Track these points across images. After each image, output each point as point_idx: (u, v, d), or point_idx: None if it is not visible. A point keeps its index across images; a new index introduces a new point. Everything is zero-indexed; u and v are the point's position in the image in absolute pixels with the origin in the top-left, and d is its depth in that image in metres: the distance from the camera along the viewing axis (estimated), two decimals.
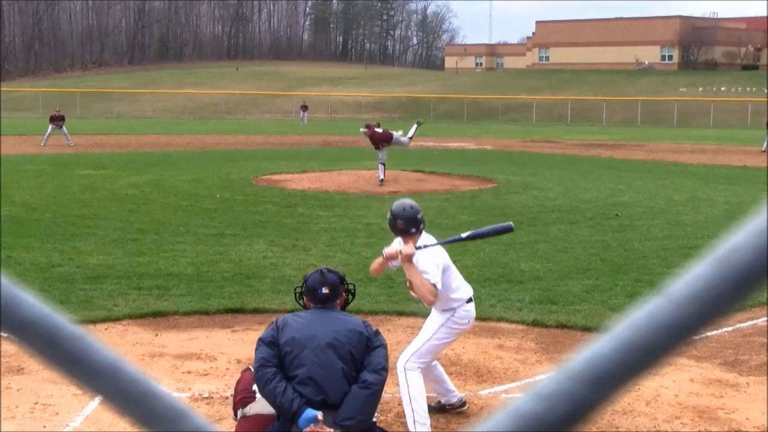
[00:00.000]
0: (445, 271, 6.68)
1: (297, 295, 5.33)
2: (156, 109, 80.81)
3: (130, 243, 14.36)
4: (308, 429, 4.82)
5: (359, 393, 4.82)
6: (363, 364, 4.94)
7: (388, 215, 6.90)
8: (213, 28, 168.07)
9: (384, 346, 5.05)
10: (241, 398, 5.16)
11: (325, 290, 5.10)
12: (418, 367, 6.70)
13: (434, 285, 6.53)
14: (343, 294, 5.27)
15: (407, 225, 6.75)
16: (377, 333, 5.08)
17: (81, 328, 0.64)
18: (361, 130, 23.87)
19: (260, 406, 5.07)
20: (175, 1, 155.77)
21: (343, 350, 4.90)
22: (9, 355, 7.99)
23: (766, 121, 39.54)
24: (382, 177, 23.16)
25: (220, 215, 17.54)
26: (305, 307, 5.22)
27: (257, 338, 5.14)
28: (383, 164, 23.16)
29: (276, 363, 4.89)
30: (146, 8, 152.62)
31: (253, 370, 4.99)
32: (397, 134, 23.45)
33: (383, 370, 4.96)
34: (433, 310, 6.86)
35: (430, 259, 6.63)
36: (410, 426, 6.58)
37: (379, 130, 23.27)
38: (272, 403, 4.87)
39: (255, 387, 5.06)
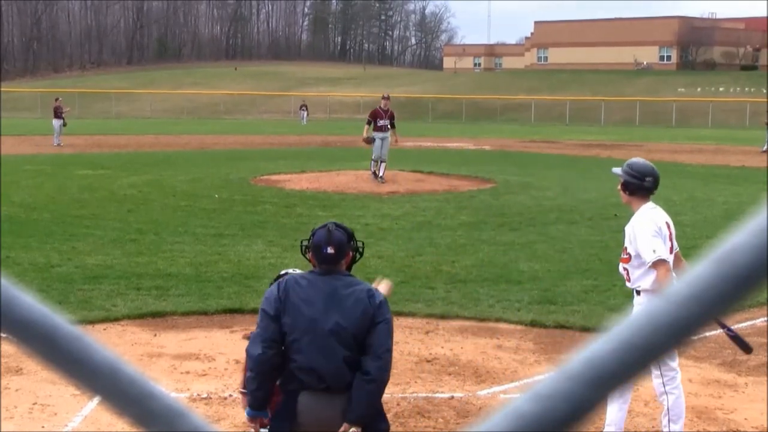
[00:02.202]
0: (662, 237, 6.36)
1: (303, 248, 5.11)
2: (154, 109, 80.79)
3: (128, 243, 14.36)
4: (247, 422, 4.88)
5: (364, 388, 4.71)
6: (366, 341, 4.76)
7: (624, 171, 6.47)
8: (211, 28, 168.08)
9: (387, 320, 4.78)
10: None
11: (330, 250, 4.84)
12: (675, 381, 6.40)
13: (660, 260, 6.22)
14: (350, 253, 5.00)
15: (655, 185, 6.48)
16: (381, 305, 4.80)
17: (80, 328, 0.64)
18: (384, 95, 24.01)
19: None
20: (174, 1, 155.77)
21: (345, 336, 4.73)
22: (8, 355, 7.99)
23: (766, 120, 39.48)
24: (381, 174, 23.28)
25: (218, 215, 17.54)
26: (310, 262, 5.01)
27: (261, 304, 4.95)
28: (376, 161, 23.29)
29: (281, 342, 4.77)
30: (145, 8, 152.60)
31: (255, 343, 4.85)
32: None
33: (386, 353, 4.75)
34: (634, 302, 6.53)
35: (644, 231, 6.32)
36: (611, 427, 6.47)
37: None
38: (247, 385, 4.86)
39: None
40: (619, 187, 6.61)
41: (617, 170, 6.61)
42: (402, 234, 15.67)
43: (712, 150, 40.40)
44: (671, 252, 6.51)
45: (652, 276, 6.38)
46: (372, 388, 4.73)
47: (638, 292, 6.51)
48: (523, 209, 18.93)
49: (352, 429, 4.73)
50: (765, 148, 38.22)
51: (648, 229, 6.35)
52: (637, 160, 6.69)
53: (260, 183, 23.49)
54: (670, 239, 6.51)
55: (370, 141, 23.19)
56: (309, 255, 5.01)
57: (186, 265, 12.74)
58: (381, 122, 23.08)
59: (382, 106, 23.38)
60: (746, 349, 6.18)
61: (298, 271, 5.39)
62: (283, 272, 5.38)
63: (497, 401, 7.61)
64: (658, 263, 6.26)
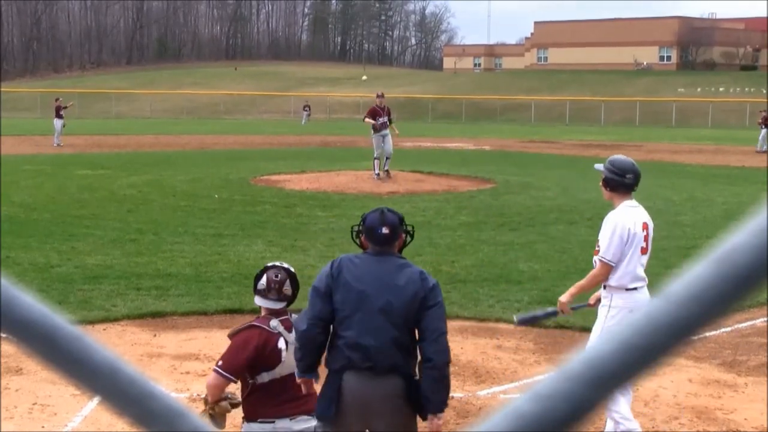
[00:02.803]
0: (627, 242, 6.42)
1: (354, 234, 5.12)
2: (154, 109, 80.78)
3: (128, 243, 14.36)
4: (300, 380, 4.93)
5: (431, 376, 4.73)
6: (420, 326, 4.76)
7: (606, 168, 6.56)
8: (211, 29, 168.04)
9: (439, 304, 4.78)
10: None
11: (385, 230, 4.89)
12: None
13: (602, 260, 6.40)
14: (402, 235, 5.06)
15: (635, 181, 6.53)
16: (434, 288, 4.80)
17: (79, 328, 0.64)
18: (378, 93, 24.53)
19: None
20: (174, 2, 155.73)
21: (396, 316, 4.72)
22: (8, 355, 7.99)
23: (759, 120, 39.81)
24: (378, 171, 23.68)
25: (218, 215, 17.54)
26: (362, 247, 5.03)
27: (312, 285, 4.94)
28: (378, 159, 23.71)
29: (329, 320, 4.79)
30: (145, 8, 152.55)
31: (302, 319, 4.85)
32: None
33: (441, 336, 4.75)
34: (601, 294, 6.62)
35: (608, 227, 6.47)
36: (609, 427, 6.52)
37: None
38: (294, 354, 4.89)
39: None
40: (600, 183, 6.65)
41: (599, 166, 6.69)
42: None
43: (712, 150, 40.41)
44: (645, 253, 6.54)
45: (617, 271, 6.45)
46: (437, 374, 4.76)
47: (604, 286, 6.56)
48: (522, 209, 18.93)
49: (436, 419, 4.80)
50: (764, 148, 38.27)
51: (613, 230, 6.44)
52: (619, 156, 6.77)
53: (260, 183, 23.49)
54: (645, 240, 6.53)
55: (378, 127, 23.44)
56: (361, 240, 5.04)
57: (186, 265, 12.74)
58: (381, 120, 23.51)
59: (378, 104, 23.85)
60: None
61: (285, 264, 5.40)
62: (270, 264, 5.39)
63: (497, 401, 7.61)
64: (602, 262, 6.46)
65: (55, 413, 7.13)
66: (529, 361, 8.78)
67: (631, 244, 6.43)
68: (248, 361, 5.08)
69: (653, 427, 7.03)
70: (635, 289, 6.47)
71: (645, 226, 6.55)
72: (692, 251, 12.91)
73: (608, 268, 6.41)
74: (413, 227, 5.20)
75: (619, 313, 6.46)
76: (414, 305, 4.74)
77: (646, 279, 6.57)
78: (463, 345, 9.21)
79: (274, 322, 5.13)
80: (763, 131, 39.11)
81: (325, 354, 4.87)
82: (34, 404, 7.31)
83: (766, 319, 10.01)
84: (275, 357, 5.07)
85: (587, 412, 0.58)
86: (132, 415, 0.64)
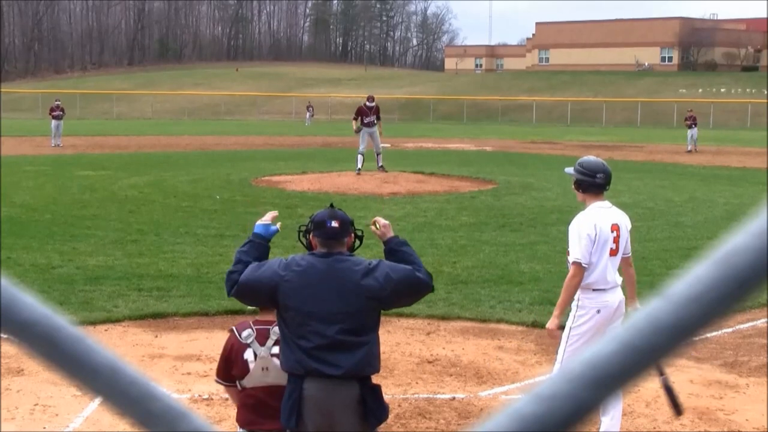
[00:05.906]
0: (595, 242, 6.34)
1: (300, 233, 4.92)
2: (155, 110, 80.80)
3: (129, 244, 14.36)
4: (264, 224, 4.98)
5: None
6: (394, 296, 4.69)
7: (576, 170, 6.47)
8: (213, 29, 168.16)
9: (393, 278, 4.66)
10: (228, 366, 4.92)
11: (334, 223, 4.71)
12: None
13: (575, 262, 6.33)
14: (352, 235, 4.87)
15: (607, 181, 6.46)
16: (379, 278, 4.63)
17: (81, 329, 0.64)
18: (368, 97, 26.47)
19: (256, 377, 4.85)
20: (175, 2, 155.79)
21: (351, 321, 4.57)
22: (9, 356, 7.99)
23: (686, 120, 40.99)
24: (360, 167, 24.96)
25: (219, 216, 17.54)
26: (310, 247, 4.84)
27: (259, 266, 4.77)
28: (362, 154, 25.17)
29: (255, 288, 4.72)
30: (146, 9, 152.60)
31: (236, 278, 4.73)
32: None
33: (421, 274, 4.74)
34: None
35: (574, 231, 6.39)
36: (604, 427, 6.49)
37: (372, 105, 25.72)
38: (237, 262, 4.82)
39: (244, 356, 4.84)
40: (572, 186, 6.61)
41: (569, 170, 6.63)
42: (403, 235, 15.51)
43: (713, 151, 40.40)
44: (614, 254, 6.45)
45: (587, 273, 6.40)
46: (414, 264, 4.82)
47: None
48: (524, 210, 18.92)
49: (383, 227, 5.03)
50: (689, 147, 39.18)
51: (578, 231, 6.38)
52: (588, 157, 6.70)
53: (261, 184, 23.49)
54: (615, 242, 6.44)
55: (359, 131, 25.54)
56: (309, 238, 4.87)
57: (187, 266, 12.74)
58: (367, 119, 25.47)
59: (367, 103, 25.71)
60: (677, 409, 6.11)
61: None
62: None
63: (499, 402, 7.61)
64: (575, 264, 6.38)
65: (57, 414, 7.13)
66: (531, 361, 8.77)
67: (599, 245, 6.35)
68: (223, 364, 4.96)
69: (654, 428, 7.03)
70: (603, 290, 6.41)
71: (615, 228, 6.45)
72: (693, 252, 12.90)
73: (581, 269, 6.33)
74: (362, 231, 5.02)
75: (587, 313, 6.43)
76: (370, 304, 4.62)
77: (618, 281, 6.50)
78: (465, 346, 9.21)
79: (247, 332, 4.90)
80: (690, 131, 40.05)
81: (281, 357, 4.68)
82: (35, 405, 7.31)
83: (767, 319, 10.00)
84: (242, 367, 4.86)
85: (588, 413, 0.58)
86: (133, 416, 0.64)
